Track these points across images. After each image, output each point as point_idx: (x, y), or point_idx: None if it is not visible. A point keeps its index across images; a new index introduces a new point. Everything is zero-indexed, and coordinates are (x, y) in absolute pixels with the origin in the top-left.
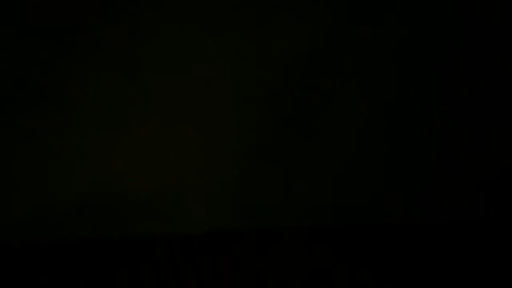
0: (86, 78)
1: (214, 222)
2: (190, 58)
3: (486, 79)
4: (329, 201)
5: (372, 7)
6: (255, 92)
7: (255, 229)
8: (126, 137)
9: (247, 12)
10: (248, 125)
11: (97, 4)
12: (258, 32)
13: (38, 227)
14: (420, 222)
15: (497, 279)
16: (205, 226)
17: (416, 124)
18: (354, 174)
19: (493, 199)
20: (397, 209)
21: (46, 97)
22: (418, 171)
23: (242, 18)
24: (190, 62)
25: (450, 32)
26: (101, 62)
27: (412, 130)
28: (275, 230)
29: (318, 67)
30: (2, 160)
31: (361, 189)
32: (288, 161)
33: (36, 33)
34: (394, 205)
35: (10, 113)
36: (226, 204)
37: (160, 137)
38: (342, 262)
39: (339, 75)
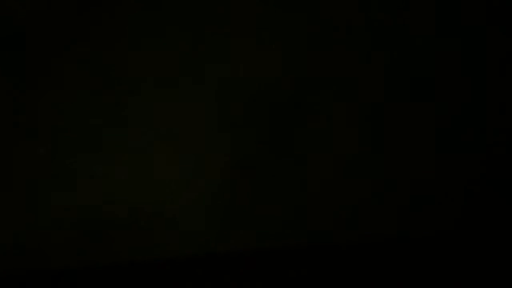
0: (65, 98)
1: (206, 243)
2: (179, 74)
3: (482, 84)
4: (323, 220)
5: (360, 22)
6: (244, 109)
7: (248, 250)
8: (112, 161)
9: (236, 26)
10: (236, 144)
11: (86, 14)
12: (245, 46)
13: (21, 257)
14: (417, 232)
15: (497, 282)
16: (196, 248)
17: (404, 136)
18: (348, 191)
19: (493, 203)
20: (392, 223)
21: (31, 120)
22: (406, 185)
23: (230, 32)
24: (180, 77)
25: (446, 35)
26: (82, 79)
27: (399, 144)
28: (269, 250)
29: (307, 82)
30: None
31: (356, 206)
32: (279, 180)
33: (39, 41)
34: (387, 219)
35: None
36: (217, 225)
37: (147, 155)
38: (337, 282)
39: (327, 88)
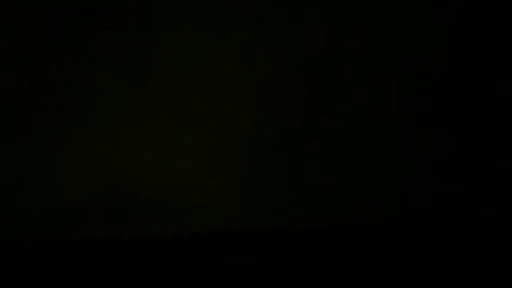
0: (92, 78)
1: (221, 221)
2: (197, 58)
3: (487, 81)
4: (336, 200)
5: (377, 10)
6: (262, 92)
7: (262, 228)
8: (133, 137)
9: (255, 12)
10: (255, 125)
11: (101, 4)
12: (265, 32)
13: (45, 227)
14: (422, 220)
15: (497, 279)
16: (212, 225)
17: (420, 124)
18: (360, 173)
19: (493, 199)
20: (401, 208)
21: (53, 97)
22: (422, 170)
23: (250, 18)
24: (197, 61)
25: (453, 34)
26: (107, 61)
27: (415, 130)
28: (282, 229)
29: (325, 67)
30: (9, 160)
31: (367, 188)
32: (296, 160)
33: (40, 34)
34: (398, 205)
35: (17, 113)
36: (234, 203)
37: (166, 137)
38: (351, 261)
39: (345, 74)
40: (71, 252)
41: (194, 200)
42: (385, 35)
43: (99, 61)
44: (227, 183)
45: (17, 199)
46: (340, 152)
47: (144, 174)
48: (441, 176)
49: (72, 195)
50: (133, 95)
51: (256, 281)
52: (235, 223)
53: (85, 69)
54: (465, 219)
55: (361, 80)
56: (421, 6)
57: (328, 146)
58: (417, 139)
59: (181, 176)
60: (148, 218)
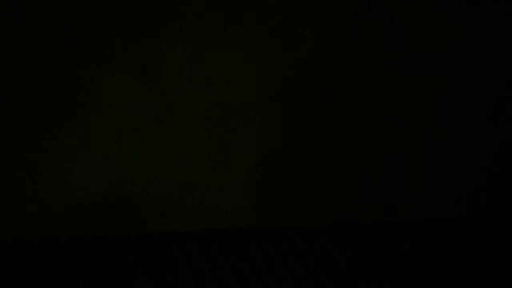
0: (100, 78)
1: (230, 219)
2: (204, 59)
3: (487, 82)
4: (343, 200)
5: (384, 12)
6: (271, 92)
7: (271, 227)
8: (142, 136)
9: (262, 14)
10: (262, 126)
11: (111, 4)
12: (272, 34)
13: (55, 224)
14: (422, 220)
15: (496, 278)
16: (220, 224)
17: (422, 124)
18: (362, 173)
19: (493, 199)
20: (408, 208)
21: (62, 97)
22: (422, 170)
23: (258, 19)
24: (204, 63)
25: (455, 34)
26: (115, 63)
27: (417, 130)
28: (291, 228)
29: (331, 69)
30: (19, 158)
31: (374, 188)
32: (304, 160)
33: (50, 34)
34: (406, 204)
35: (27, 112)
36: (242, 201)
37: (175, 136)
38: (358, 260)
39: (352, 77)
40: (80, 249)
41: (203, 198)
42: (390, 36)
43: (105, 60)
44: (236, 182)
45: (27, 196)
46: (344, 152)
47: (154, 172)
48: (441, 176)
49: (82, 193)
50: (142, 95)
51: (265, 279)
52: (244, 221)
53: (92, 68)
54: (465, 219)
55: (364, 84)
56: (425, 6)
57: (333, 146)
58: (418, 139)
59: (190, 174)
60: (157, 216)
